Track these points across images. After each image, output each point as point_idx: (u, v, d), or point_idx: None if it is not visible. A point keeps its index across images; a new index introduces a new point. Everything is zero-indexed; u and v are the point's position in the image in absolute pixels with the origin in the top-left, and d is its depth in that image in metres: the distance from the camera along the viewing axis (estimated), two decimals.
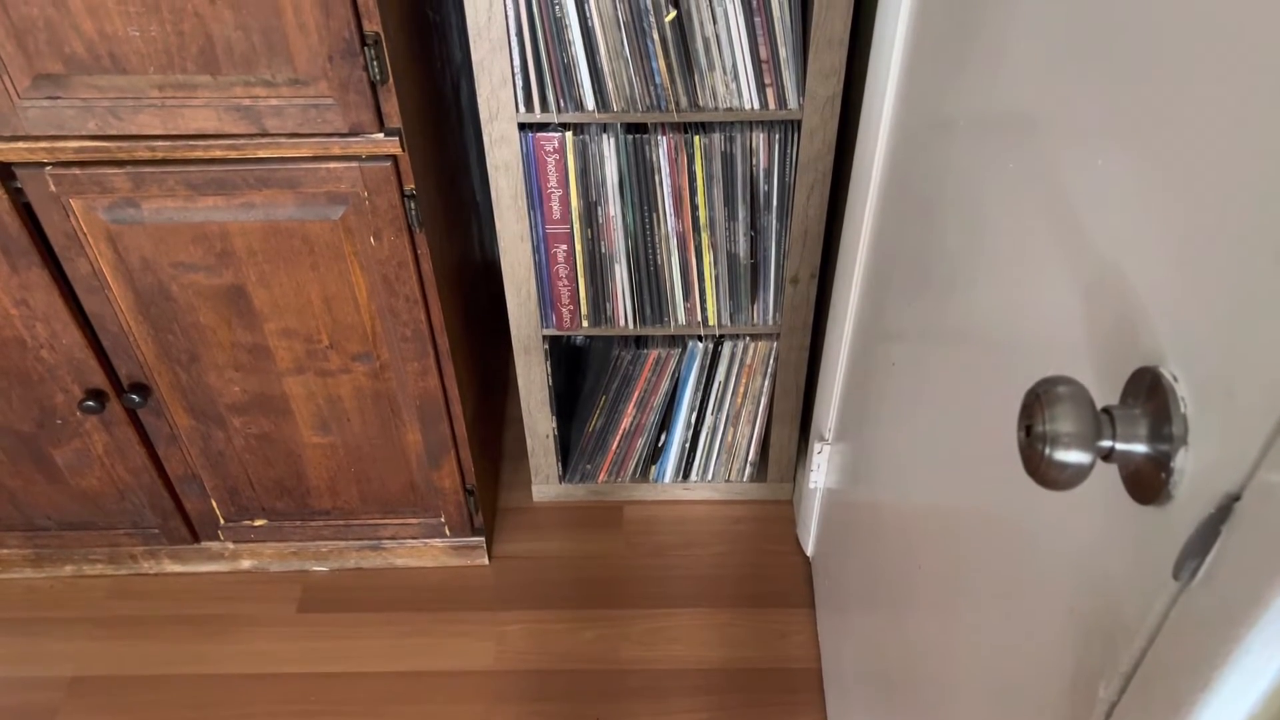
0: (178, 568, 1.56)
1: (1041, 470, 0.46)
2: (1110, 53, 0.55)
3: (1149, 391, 0.46)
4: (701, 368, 1.46)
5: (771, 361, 1.44)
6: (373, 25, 0.96)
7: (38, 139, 1.03)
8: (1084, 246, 0.57)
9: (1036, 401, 0.46)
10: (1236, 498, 0.41)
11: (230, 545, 1.52)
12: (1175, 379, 0.45)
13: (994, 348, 0.74)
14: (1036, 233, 0.65)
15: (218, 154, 1.05)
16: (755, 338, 1.42)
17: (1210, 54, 0.45)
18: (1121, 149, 0.53)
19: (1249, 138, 0.42)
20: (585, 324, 1.38)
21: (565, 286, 1.34)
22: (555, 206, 1.25)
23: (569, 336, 1.64)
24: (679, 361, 1.46)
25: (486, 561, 1.57)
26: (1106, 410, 0.46)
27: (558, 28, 1.09)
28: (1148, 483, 0.46)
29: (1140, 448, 0.46)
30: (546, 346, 1.42)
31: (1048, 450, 0.45)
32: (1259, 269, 0.41)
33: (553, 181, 1.23)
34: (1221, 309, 0.43)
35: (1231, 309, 0.43)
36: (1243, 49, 0.42)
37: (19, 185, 1.06)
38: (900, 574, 1.01)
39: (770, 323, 1.38)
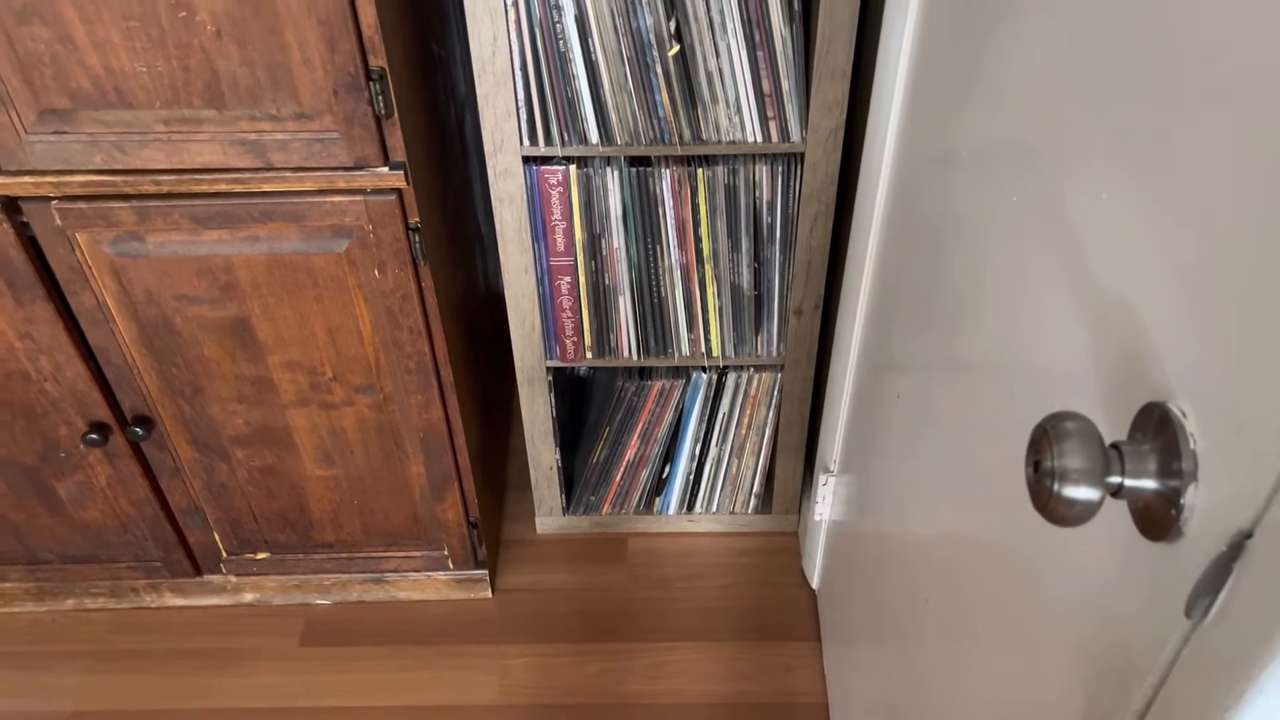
0: (180, 601, 1.55)
1: (1050, 506, 0.46)
2: (1113, 84, 0.55)
3: (1157, 427, 0.46)
4: (706, 399, 1.45)
5: (776, 393, 1.44)
6: (378, 60, 0.97)
7: (44, 173, 1.03)
8: (1090, 279, 0.57)
9: (1044, 437, 0.46)
10: (1249, 535, 0.41)
11: (232, 578, 1.51)
12: (1184, 414, 0.45)
13: (1000, 380, 0.73)
14: (1042, 265, 0.65)
15: (223, 188, 1.05)
16: (759, 369, 1.42)
17: (1216, 85, 0.45)
18: (1125, 181, 0.53)
19: (1256, 169, 0.42)
20: (589, 355, 1.38)
21: (569, 318, 1.34)
22: (559, 239, 1.25)
23: (573, 368, 1.64)
24: (683, 393, 1.46)
25: (490, 594, 1.56)
26: (1115, 446, 0.46)
27: (562, 62, 1.10)
28: (1158, 519, 0.46)
29: (1149, 484, 0.45)
30: (550, 378, 1.41)
31: (1056, 486, 0.45)
32: (1268, 303, 0.41)
33: (557, 214, 1.23)
34: (1230, 343, 0.43)
35: (1241, 343, 0.42)
36: (1248, 80, 0.42)
37: (25, 219, 1.06)
38: (907, 607, 1.00)
39: (774, 354, 1.38)
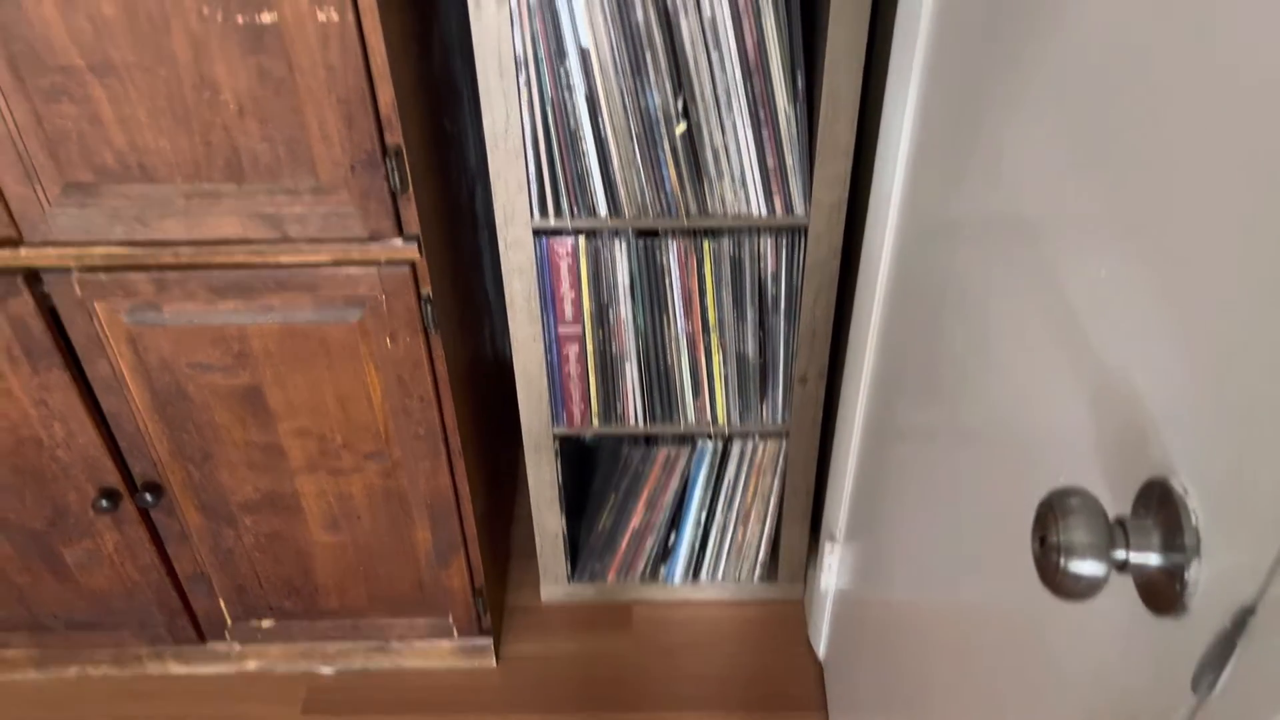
0: (183, 669, 1.54)
1: (1057, 581, 0.47)
2: (1110, 160, 0.57)
3: (1160, 502, 0.47)
4: (711, 466, 1.46)
5: (781, 460, 1.45)
6: (394, 137, 1.00)
7: (66, 245, 1.05)
8: (1090, 354, 0.59)
9: (1050, 513, 0.47)
10: (1252, 611, 0.42)
11: (236, 646, 1.51)
12: (1185, 490, 0.46)
13: (1004, 452, 0.75)
14: (1043, 339, 0.66)
15: (240, 259, 1.07)
16: (765, 436, 1.43)
17: (1214, 160, 0.46)
18: (1124, 257, 0.55)
19: (1255, 245, 0.43)
20: (596, 423, 1.39)
21: (576, 386, 1.35)
22: (568, 308, 1.28)
23: (579, 434, 1.65)
24: (689, 460, 1.46)
25: (494, 663, 1.55)
26: (1120, 522, 0.47)
27: (572, 139, 1.13)
28: (1162, 594, 0.47)
29: (1153, 560, 0.46)
30: (557, 446, 1.42)
31: (1062, 561, 0.46)
32: (1266, 380, 0.42)
33: (565, 284, 1.25)
34: (1230, 420, 0.44)
35: (1240, 420, 0.44)
36: (1247, 156, 0.44)
37: (45, 290, 1.09)
38: (915, 678, 1.00)
39: (779, 422, 1.39)
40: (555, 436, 1.41)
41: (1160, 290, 0.51)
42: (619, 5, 1.05)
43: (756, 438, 1.43)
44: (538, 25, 1.06)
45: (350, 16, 0.92)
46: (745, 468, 1.46)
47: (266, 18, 0.91)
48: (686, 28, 1.07)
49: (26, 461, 1.23)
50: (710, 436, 1.44)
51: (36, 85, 0.95)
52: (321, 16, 0.91)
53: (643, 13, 1.05)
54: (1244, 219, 0.44)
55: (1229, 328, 0.45)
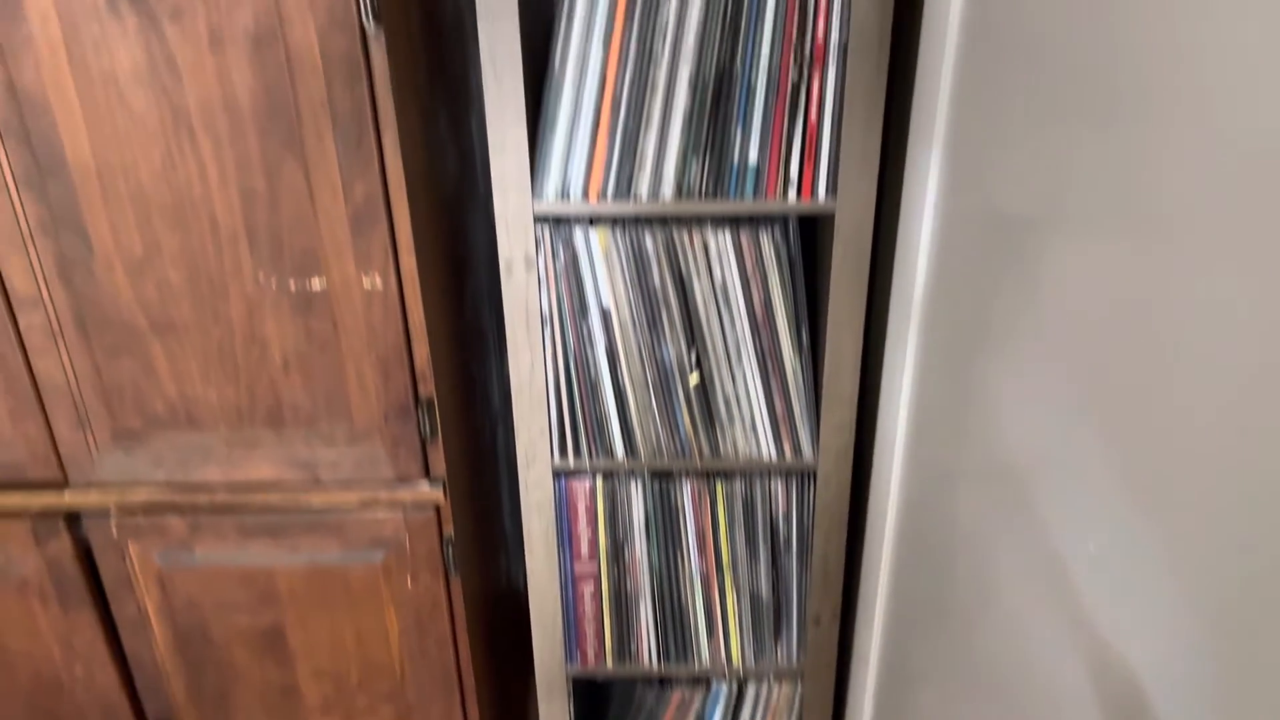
0: None
1: None
2: (1099, 421, 0.61)
3: None
4: (726, 709, 1.44)
5: (797, 703, 1.43)
6: (427, 389, 1.06)
7: (108, 487, 1.10)
8: (1086, 616, 0.61)
9: None
10: None
11: None
12: None
13: (1012, 705, 0.76)
14: (1043, 595, 0.69)
15: (273, 501, 1.12)
16: (780, 678, 1.42)
17: (1208, 423, 0.49)
18: (1114, 523, 0.58)
19: (1249, 518, 0.46)
20: (610, 663, 1.39)
21: (591, 624, 1.36)
22: (584, 546, 1.31)
23: (593, 675, 1.63)
24: (703, 703, 1.45)
25: None
26: None
27: (593, 388, 1.20)
28: None
29: None
30: (570, 686, 1.41)
31: None
32: (1257, 657, 0.45)
33: (583, 522, 1.29)
34: (1222, 696, 0.47)
35: (1233, 696, 0.46)
36: (1237, 419, 0.47)
37: (84, 532, 1.13)
38: None
39: (794, 663, 1.39)
40: (569, 677, 1.40)
41: (1152, 560, 0.54)
42: (637, 269, 1.14)
43: (771, 679, 1.42)
44: (563, 287, 1.15)
45: (393, 283, 1.00)
46: (760, 711, 1.44)
47: (317, 284, 1.00)
48: (699, 289, 1.16)
49: (43, 702, 1.23)
50: (725, 678, 1.43)
51: (100, 342, 1.03)
52: (367, 284, 1.00)
53: (659, 276, 1.15)
54: (1238, 486, 0.46)
55: (1222, 601, 0.48)
